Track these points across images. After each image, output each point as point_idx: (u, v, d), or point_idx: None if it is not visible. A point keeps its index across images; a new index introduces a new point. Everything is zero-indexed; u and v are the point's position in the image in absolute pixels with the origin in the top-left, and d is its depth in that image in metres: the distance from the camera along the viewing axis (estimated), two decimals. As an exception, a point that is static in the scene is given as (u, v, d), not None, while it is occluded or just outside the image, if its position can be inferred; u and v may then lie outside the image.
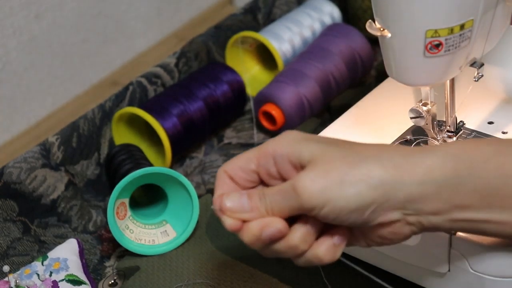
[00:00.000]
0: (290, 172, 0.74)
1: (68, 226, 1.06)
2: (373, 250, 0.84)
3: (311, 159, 0.72)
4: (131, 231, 1.01)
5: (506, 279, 0.81)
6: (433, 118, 0.90)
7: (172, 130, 1.11)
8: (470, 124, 0.94)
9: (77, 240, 1.00)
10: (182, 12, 1.50)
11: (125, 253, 1.01)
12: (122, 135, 1.16)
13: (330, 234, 0.74)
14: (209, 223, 1.03)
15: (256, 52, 1.29)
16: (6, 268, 0.92)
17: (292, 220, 0.74)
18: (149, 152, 1.15)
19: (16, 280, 0.93)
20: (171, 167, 1.14)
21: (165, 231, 1.02)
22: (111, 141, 1.15)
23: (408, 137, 0.94)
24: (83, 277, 0.96)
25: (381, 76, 1.19)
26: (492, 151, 0.73)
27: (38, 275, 0.95)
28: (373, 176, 0.71)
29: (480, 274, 0.82)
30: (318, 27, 1.28)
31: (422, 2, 0.78)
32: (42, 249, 1.03)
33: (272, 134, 1.17)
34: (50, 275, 0.95)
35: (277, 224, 0.73)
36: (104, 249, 1.03)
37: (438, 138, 0.92)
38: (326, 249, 0.74)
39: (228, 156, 1.15)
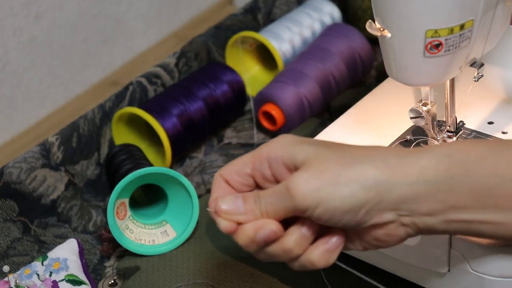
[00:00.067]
0: (285, 175, 0.74)
1: (68, 226, 1.06)
2: (373, 250, 0.84)
3: (305, 161, 0.73)
4: (131, 231, 1.01)
5: (506, 279, 0.81)
6: (433, 118, 0.90)
7: (172, 130, 1.11)
8: (470, 124, 0.94)
9: (77, 240, 1.00)
10: (182, 12, 1.50)
11: (125, 253, 1.01)
12: (122, 135, 1.16)
13: (325, 239, 0.74)
14: (209, 223, 1.03)
15: (256, 52, 1.29)
16: (6, 268, 0.92)
17: (287, 224, 0.74)
18: (149, 152, 1.15)
19: (16, 280, 0.93)
20: (171, 167, 1.14)
21: (165, 231, 1.02)
22: (111, 141, 1.15)
23: (408, 137, 0.94)
24: (83, 277, 0.96)
25: (381, 76, 1.19)
26: (486, 152, 0.73)
27: (38, 275, 0.95)
28: (367, 176, 0.71)
29: (480, 274, 0.82)
30: (318, 27, 1.28)
31: (422, 2, 0.78)
32: (42, 249, 1.03)
33: (272, 134, 1.17)
34: (50, 275, 0.95)
35: (271, 226, 0.73)
36: (104, 249, 1.03)
37: (438, 138, 0.92)
38: (320, 255, 0.74)
39: (228, 156, 1.15)
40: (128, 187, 0.99)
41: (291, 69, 1.19)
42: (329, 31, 1.23)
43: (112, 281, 0.98)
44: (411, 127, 0.95)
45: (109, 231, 1.02)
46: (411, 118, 0.90)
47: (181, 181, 0.99)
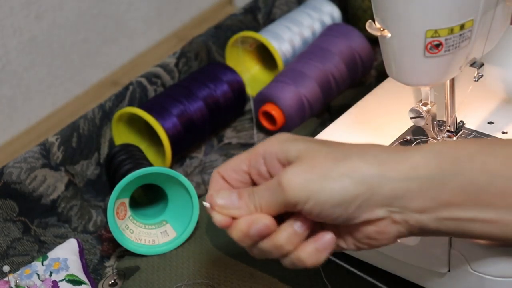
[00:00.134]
0: (279, 171, 0.75)
1: (68, 226, 1.06)
2: (373, 250, 0.84)
3: (298, 156, 0.74)
4: (131, 231, 1.01)
5: (506, 279, 0.81)
6: (433, 118, 0.90)
7: (172, 130, 1.11)
8: (470, 124, 0.94)
9: (77, 240, 1.00)
10: (182, 12, 1.50)
11: (125, 253, 1.01)
12: (122, 135, 1.16)
13: (315, 238, 0.75)
14: (209, 223, 1.02)
15: (256, 52, 1.29)
16: (6, 268, 0.92)
17: (282, 222, 0.75)
18: (149, 152, 1.15)
19: (16, 280, 0.93)
20: (171, 167, 1.14)
21: (165, 231, 1.02)
22: (111, 141, 1.15)
23: (408, 137, 0.94)
24: (83, 277, 0.96)
25: (381, 76, 1.19)
26: (477, 149, 0.73)
27: (38, 275, 0.95)
28: (357, 171, 0.72)
29: (480, 274, 0.82)
30: (318, 27, 1.28)
31: (422, 2, 0.78)
32: (42, 249, 1.03)
33: (272, 134, 1.17)
34: (50, 275, 0.95)
35: (264, 220, 0.74)
36: (104, 249, 1.03)
37: (438, 138, 0.92)
38: (309, 253, 0.74)
39: (228, 156, 1.15)
40: (128, 187, 0.99)
41: (291, 69, 1.19)
42: (329, 31, 1.23)
43: (112, 281, 0.98)
44: (411, 127, 0.95)
45: (109, 231, 1.02)
46: (411, 118, 0.90)
47: (181, 181, 0.99)
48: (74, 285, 0.95)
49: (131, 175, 0.97)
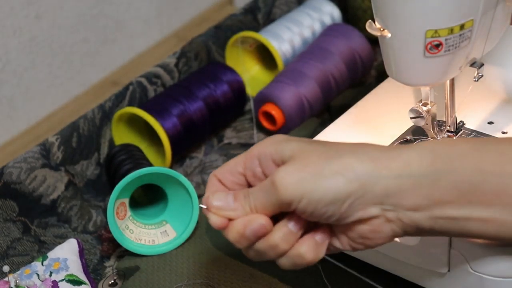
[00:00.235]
0: (273, 171, 0.75)
1: (68, 226, 1.06)
2: (373, 250, 0.84)
3: (291, 156, 0.74)
4: (131, 231, 1.01)
5: (506, 279, 0.81)
6: (433, 118, 0.90)
7: (172, 130, 1.11)
8: (470, 124, 0.94)
9: (77, 240, 1.00)
10: (182, 12, 1.50)
11: (125, 253, 1.01)
12: (122, 135, 1.16)
13: (312, 233, 0.75)
14: (209, 224, 1.02)
15: (256, 52, 1.29)
16: (6, 268, 0.92)
17: (277, 222, 0.75)
18: (149, 152, 1.15)
19: (16, 280, 0.93)
20: (171, 167, 1.14)
21: (165, 231, 1.02)
22: (111, 141, 1.15)
23: (408, 137, 0.94)
24: (83, 277, 0.96)
25: (381, 76, 1.19)
26: (470, 147, 0.73)
27: (38, 275, 0.95)
28: (350, 169, 0.72)
29: (480, 274, 0.82)
30: (318, 27, 1.28)
31: (422, 2, 0.78)
32: (42, 249, 1.03)
33: (272, 134, 1.17)
34: (50, 275, 0.95)
35: (260, 220, 0.74)
36: (104, 249, 1.03)
37: (438, 138, 0.92)
38: (309, 247, 0.75)
39: (228, 156, 1.15)
40: (128, 187, 0.99)
41: (291, 69, 1.19)
42: (329, 31, 1.23)
43: (112, 281, 0.98)
44: (411, 127, 0.95)
45: (109, 231, 1.02)
46: (411, 118, 0.90)
47: (181, 181, 0.99)
48: (74, 285, 0.95)
49: (131, 175, 0.97)
